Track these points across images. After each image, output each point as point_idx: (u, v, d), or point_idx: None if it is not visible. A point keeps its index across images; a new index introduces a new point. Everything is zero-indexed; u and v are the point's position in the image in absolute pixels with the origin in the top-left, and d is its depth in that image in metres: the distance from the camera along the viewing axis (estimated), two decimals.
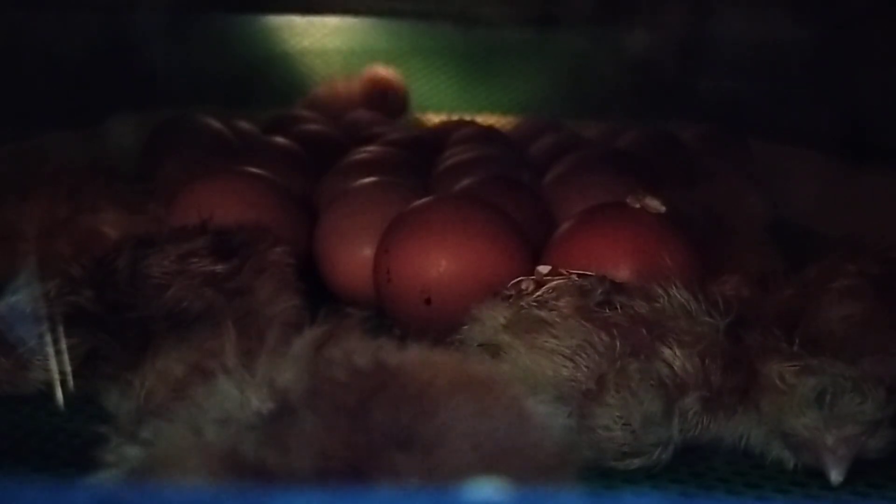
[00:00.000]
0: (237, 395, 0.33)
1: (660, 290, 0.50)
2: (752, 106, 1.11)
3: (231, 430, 0.31)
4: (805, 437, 0.48)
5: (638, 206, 0.63)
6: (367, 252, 0.69)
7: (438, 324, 0.55)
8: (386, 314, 0.67)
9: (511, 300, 0.51)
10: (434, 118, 1.34)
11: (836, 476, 0.47)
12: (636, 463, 0.48)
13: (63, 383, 0.53)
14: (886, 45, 0.85)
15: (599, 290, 0.50)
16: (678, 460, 0.49)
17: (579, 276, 0.51)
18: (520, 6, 1.29)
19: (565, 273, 0.52)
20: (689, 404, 0.48)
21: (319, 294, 0.69)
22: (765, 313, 0.53)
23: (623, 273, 0.58)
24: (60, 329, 0.54)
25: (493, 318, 0.50)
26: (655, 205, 0.63)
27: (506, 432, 0.32)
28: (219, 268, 0.59)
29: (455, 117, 1.26)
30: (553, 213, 0.78)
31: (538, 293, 0.50)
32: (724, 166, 0.97)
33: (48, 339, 0.53)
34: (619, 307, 0.49)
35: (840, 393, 0.47)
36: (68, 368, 0.53)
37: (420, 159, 0.95)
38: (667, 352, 0.48)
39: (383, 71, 1.37)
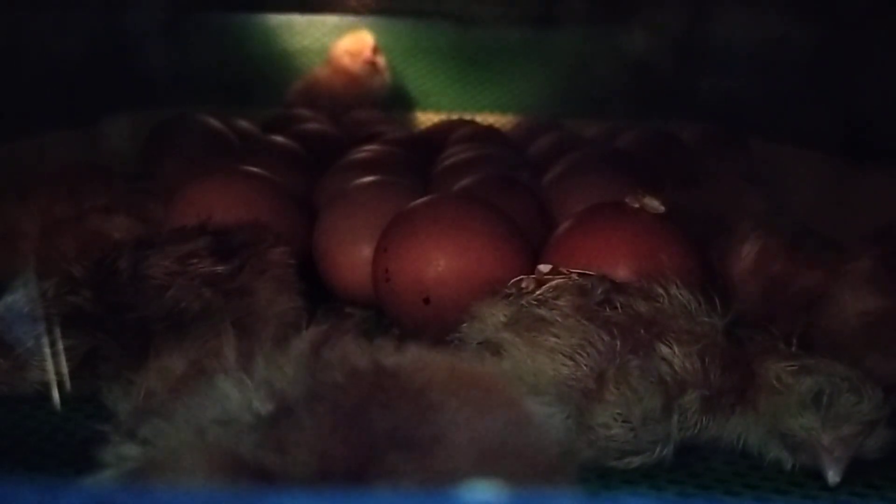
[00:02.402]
0: (236, 396, 0.33)
1: (660, 290, 0.50)
2: (753, 106, 1.11)
3: (230, 431, 0.31)
4: (802, 438, 0.48)
5: (637, 205, 0.63)
6: (366, 251, 0.69)
7: (437, 323, 0.55)
8: (385, 314, 0.67)
9: (512, 298, 0.51)
10: (433, 117, 1.34)
11: (833, 476, 0.47)
12: (636, 461, 0.48)
13: (61, 384, 0.53)
14: (886, 45, 0.85)
15: (600, 290, 0.50)
16: (676, 461, 0.49)
17: (580, 275, 0.51)
18: (520, 5, 1.29)
19: (566, 272, 0.52)
20: (689, 402, 0.48)
21: (318, 293, 0.69)
22: (790, 290, 0.53)
23: (622, 273, 0.58)
24: (59, 329, 0.54)
25: (494, 316, 0.50)
26: (654, 205, 0.63)
27: (504, 432, 0.32)
28: (220, 268, 0.59)
29: (454, 116, 1.26)
30: (552, 213, 0.78)
31: (539, 292, 0.50)
32: (724, 166, 0.97)
33: (46, 339, 0.53)
34: (619, 306, 0.49)
35: (837, 393, 0.47)
36: (66, 369, 0.53)
37: (419, 158, 0.95)
38: (666, 350, 0.48)
39: (360, 38, 1.38)
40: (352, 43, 1.38)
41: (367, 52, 1.36)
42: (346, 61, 1.36)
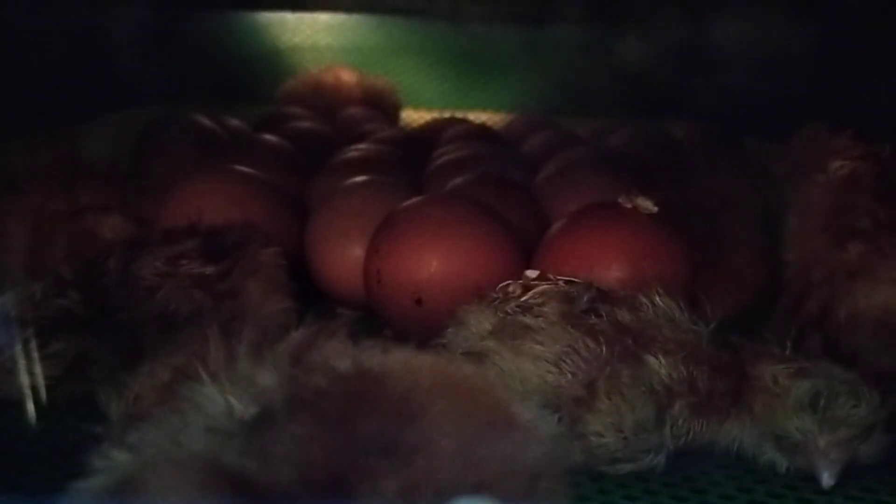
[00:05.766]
0: (221, 401, 0.32)
1: (644, 300, 0.50)
2: (750, 105, 1.10)
3: (214, 438, 0.31)
4: (798, 440, 0.48)
5: (630, 206, 0.63)
6: (358, 252, 0.69)
7: (429, 324, 0.55)
8: (377, 315, 0.66)
9: (498, 303, 0.51)
10: (425, 115, 1.34)
11: (827, 479, 0.47)
12: (628, 468, 0.48)
13: (49, 388, 0.53)
14: (886, 45, 0.85)
15: (585, 297, 0.50)
16: (670, 464, 0.48)
17: (566, 281, 0.51)
18: (513, 3, 1.28)
19: (553, 278, 0.51)
20: (679, 411, 0.47)
21: (310, 294, 0.69)
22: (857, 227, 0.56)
23: (615, 274, 0.57)
24: (47, 333, 0.53)
25: (480, 324, 0.50)
26: (648, 205, 0.63)
27: (489, 436, 0.31)
28: (209, 269, 0.59)
29: (447, 115, 1.25)
30: (545, 213, 0.77)
31: (525, 298, 0.50)
32: (719, 165, 0.96)
33: (35, 342, 0.53)
34: (603, 315, 0.49)
35: (834, 396, 0.47)
36: (55, 373, 0.53)
37: (411, 157, 0.94)
38: (652, 360, 0.47)
39: (376, 79, 1.36)
40: (376, 88, 1.35)
41: (386, 105, 1.35)
42: (361, 100, 1.34)
